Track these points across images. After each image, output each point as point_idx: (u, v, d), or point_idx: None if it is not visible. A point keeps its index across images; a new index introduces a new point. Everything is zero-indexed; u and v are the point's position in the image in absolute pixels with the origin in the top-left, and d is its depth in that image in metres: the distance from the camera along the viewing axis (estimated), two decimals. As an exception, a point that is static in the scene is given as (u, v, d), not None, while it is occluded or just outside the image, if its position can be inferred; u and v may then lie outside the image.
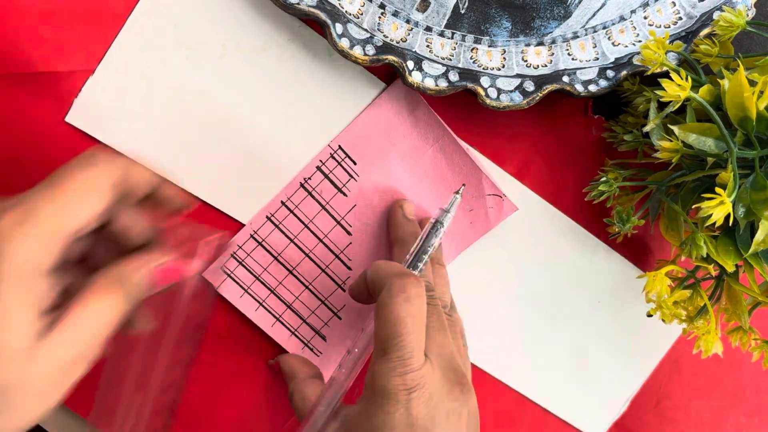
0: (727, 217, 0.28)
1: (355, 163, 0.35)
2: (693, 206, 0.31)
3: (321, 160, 0.34)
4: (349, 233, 0.36)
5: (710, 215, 0.27)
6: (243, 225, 0.34)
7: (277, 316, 0.36)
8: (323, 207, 0.35)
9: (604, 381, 0.41)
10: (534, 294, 0.39)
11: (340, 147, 0.34)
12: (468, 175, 0.36)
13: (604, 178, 0.35)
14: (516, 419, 0.40)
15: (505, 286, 0.39)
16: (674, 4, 0.34)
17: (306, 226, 0.35)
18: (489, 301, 0.39)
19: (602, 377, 0.41)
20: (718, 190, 0.27)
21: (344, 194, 0.35)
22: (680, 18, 0.34)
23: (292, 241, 0.35)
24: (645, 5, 0.34)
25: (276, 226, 0.35)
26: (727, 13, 0.31)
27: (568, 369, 0.40)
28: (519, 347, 0.39)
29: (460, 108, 0.35)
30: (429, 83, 0.32)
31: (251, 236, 0.34)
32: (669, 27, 0.34)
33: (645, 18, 0.34)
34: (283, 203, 0.34)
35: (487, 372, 0.39)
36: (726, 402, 0.43)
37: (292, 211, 0.35)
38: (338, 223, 0.35)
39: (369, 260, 0.36)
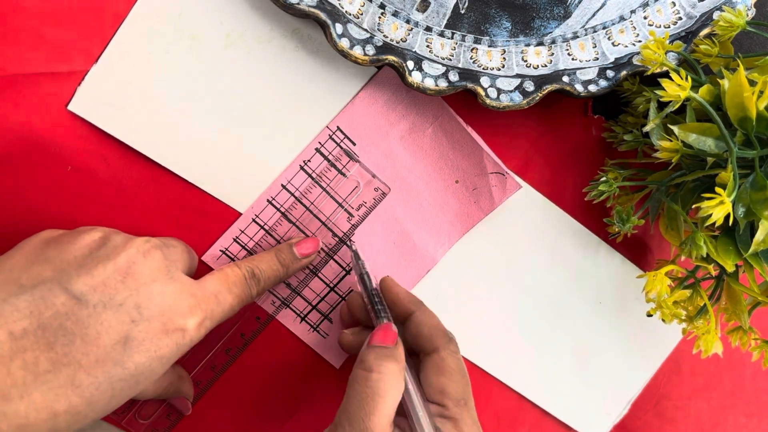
0: (727, 217, 0.28)
1: (354, 144, 0.35)
2: (693, 206, 0.31)
3: (320, 142, 0.34)
4: (351, 215, 0.36)
5: (710, 215, 0.27)
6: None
7: (284, 300, 0.36)
8: (324, 189, 0.35)
9: (605, 382, 0.41)
10: (535, 293, 0.39)
11: (338, 128, 0.34)
12: (469, 153, 0.36)
13: (604, 178, 0.35)
14: (516, 420, 0.40)
15: (505, 285, 0.39)
16: (674, 4, 0.34)
17: (308, 209, 0.35)
18: (489, 300, 0.38)
19: (603, 378, 0.41)
20: (718, 189, 0.27)
21: (344, 175, 0.35)
22: (680, 18, 0.34)
23: (294, 224, 0.35)
24: (645, 5, 0.34)
25: (277, 209, 0.35)
26: (727, 13, 0.31)
27: (568, 370, 0.40)
28: (519, 347, 0.39)
29: (460, 108, 0.35)
30: (429, 83, 0.32)
31: (253, 220, 0.34)
32: (669, 27, 0.34)
33: (645, 18, 0.34)
34: (283, 186, 0.34)
35: (488, 372, 0.39)
36: (726, 402, 0.43)
37: (293, 194, 0.35)
38: (340, 205, 0.35)
39: (372, 243, 0.36)
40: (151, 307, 0.25)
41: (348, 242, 0.35)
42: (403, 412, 0.30)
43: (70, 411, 0.23)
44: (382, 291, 0.34)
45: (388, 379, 0.27)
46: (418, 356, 0.32)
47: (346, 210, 0.36)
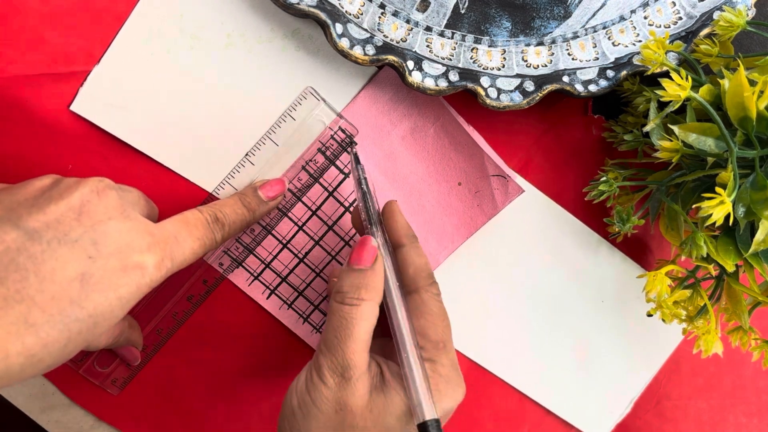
0: (727, 216, 0.28)
1: (356, 144, 0.35)
2: (693, 206, 0.31)
3: (321, 142, 0.34)
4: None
5: (710, 215, 0.27)
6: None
7: (288, 301, 0.36)
8: (325, 188, 0.35)
9: (607, 381, 0.41)
10: (537, 292, 0.39)
11: (340, 128, 0.34)
12: (470, 155, 0.36)
13: (604, 178, 0.35)
14: (517, 419, 0.40)
15: (507, 284, 0.39)
16: (674, 4, 0.34)
17: (309, 208, 0.35)
18: (491, 299, 0.39)
19: (605, 377, 0.41)
20: (718, 189, 0.27)
21: (346, 175, 0.35)
22: (680, 18, 0.34)
23: (296, 224, 0.35)
24: (645, 5, 0.34)
25: (279, 209, 0.35)
26: (727, 13, 0.31)
27: (570, 368, 0.40)
28: (521, 345, 0.39)
29: (461, 108, 0.35)
30: (429, 83, 0.32)
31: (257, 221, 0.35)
32: (669, 27, 0.34)
33: (645, 18, 0.34)
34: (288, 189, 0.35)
35: (489, 371, 0.39)
36: (726, 402, 0.43)
37: (294, 194, 0.35)
38: (341, 204, 0.35)
39: None
40: (108, 243, 0.24)
41: (353, 165, 0.33)
42: (379, 350, 0.30)
43: (24, 353, 0.22)
44: (383, 213, 0.32)
45: (362, 310, 0.28)
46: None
47: (348, 210, 0.36)
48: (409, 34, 0.33)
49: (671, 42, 0.33)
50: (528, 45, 0.34)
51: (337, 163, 0.35)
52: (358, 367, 0.27)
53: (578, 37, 0.34)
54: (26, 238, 0.23)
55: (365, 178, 0.32)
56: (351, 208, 0.36)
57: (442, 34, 0.33)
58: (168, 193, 0.33)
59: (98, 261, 0.24)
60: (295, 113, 0.34)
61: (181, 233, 0.28)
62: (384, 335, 0.32)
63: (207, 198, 0.34)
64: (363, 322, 0.28)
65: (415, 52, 0.32)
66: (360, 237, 0.31)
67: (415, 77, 0.32)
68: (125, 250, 0.25)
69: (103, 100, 0.32)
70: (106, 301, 0.24)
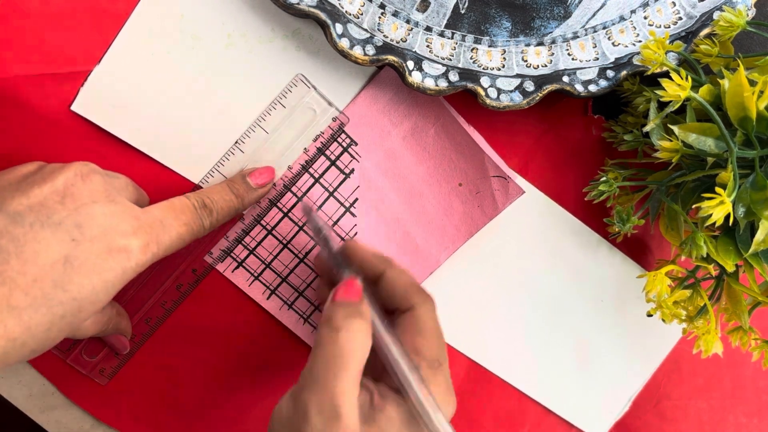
0: (727, 216, 0.28)
1: (356, 144, 0.35)
2: (693, 206, 0.31)
3: (322, 142, 0.34)
4: (353, 215, 0.36)
5: (710, 215, 0.27)
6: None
7: (288, 301, 0.36)
8: (326, 188, 0.35)
9: (607, 380, 0.41)
10: (537, 292, 0.39)
11: (340, 128, 0.34)
12: (471, 155, 0.36)
13: (604, 178, 0.35)
14: (517, 418, 0.40)
15: (507, 283, 0.39)
16: (674, 4, 0.34)
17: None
18: (491, 299, 0.39)
19: (604, 376, 0.41)
20: (718, 189, 0.27)
21: (346, 174, 0.35)
22: (680, 18, 0.34)
23: (296, 224, 0.35)
24: (645, 5, 0.34)
25: (280, 209, 0.35)
26: (727, 13, 0.31)
27: (570, 367, 0.40)
28: (521, 345, 0.39)
29: (461, 108, 0.35)
30: (429, 83, 0.32)
31: (257, 221, 0.35)
32: (669, 27, 0.34)
33: (645, 18, 0.34)
34: (286, 187, 0.35)
35: (489, 370, 0.39)
36: (726, 402, 0.43)
37: (295, 194, 0.35)
38: (341, 204, 0.35)
39: (375, 244, 0.36)
40: (93, 226, 0.24)
41: (305, 203, 0.33)
42: (370, 372, 0.29)
43: (6, 336, 0.22)
44: (348, 256, 0.31)
45: (357, 338, 0.26)
46: (393, 314, 0.30)
47: (349, 211, 0.36)
48: (409, 34, 0.33)
49: (671, 42, 0.33)
50: (528, 45, 0.34)
51: (338, 163, 0.35)
52: (348, 406, 0.25)
53: (578, 37, 0.34)
54: (9, 221, 0.23)
55: (321, 228, 0.32)
56: (350, 207, 0.36)
57: (442, 34, 0.33)
58: (169, 193, 0.33)
59: (82, 244, 0.24)
60: (285, 101, 0.34)
61: (168, 218, 0.27)
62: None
63: (194, 187, 0.34)
64: (357, 353, 0.26)
65: (415, 52, 0.32)
66: (338, 282, 0.29)
67: (415, 77, 0.32)
68: (110, 233, 0.24)
69: (104, 100, 0.32)
70: (90, 284, 0.24)
